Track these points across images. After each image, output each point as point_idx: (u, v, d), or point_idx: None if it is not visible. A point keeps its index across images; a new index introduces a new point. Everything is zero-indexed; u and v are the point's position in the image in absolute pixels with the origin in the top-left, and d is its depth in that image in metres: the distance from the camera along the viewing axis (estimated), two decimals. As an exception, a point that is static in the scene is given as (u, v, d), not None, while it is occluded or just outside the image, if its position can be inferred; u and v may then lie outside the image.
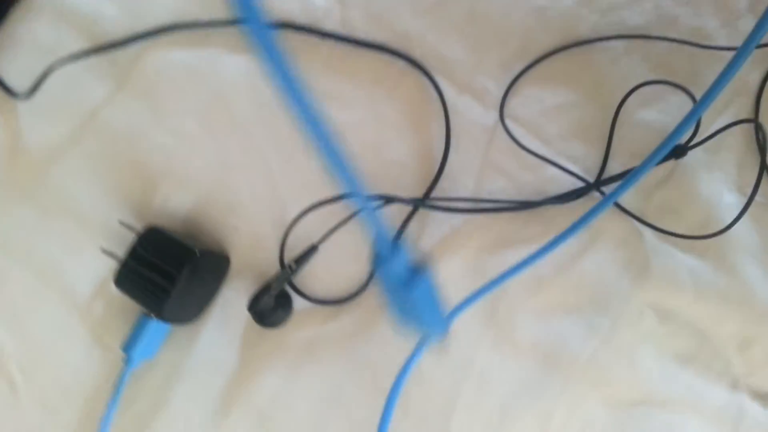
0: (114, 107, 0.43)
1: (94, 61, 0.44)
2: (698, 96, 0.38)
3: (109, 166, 0.43)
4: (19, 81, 0.45)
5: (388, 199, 0.39)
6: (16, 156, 0.44)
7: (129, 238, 0.40)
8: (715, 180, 0.39)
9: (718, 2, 0.40)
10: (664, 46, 0.40)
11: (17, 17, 0.46)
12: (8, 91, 0.44)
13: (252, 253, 0.41)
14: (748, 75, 0.40)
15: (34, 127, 0.44)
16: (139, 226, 0.41)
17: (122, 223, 0.41)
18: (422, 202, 0.39)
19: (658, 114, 0.39)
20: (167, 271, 0.37)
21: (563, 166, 0.39)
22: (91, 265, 0.41)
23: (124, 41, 0.44)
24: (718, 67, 0.39)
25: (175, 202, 0.42)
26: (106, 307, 0.41)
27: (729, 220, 0.39)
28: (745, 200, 0.39)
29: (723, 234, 0.37)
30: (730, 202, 0.39)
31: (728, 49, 0.39)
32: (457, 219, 0.40)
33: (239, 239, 0.41)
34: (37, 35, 0.45)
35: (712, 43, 0.39)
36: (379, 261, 0.22)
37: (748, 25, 0.39)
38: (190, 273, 0.37)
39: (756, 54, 0.33)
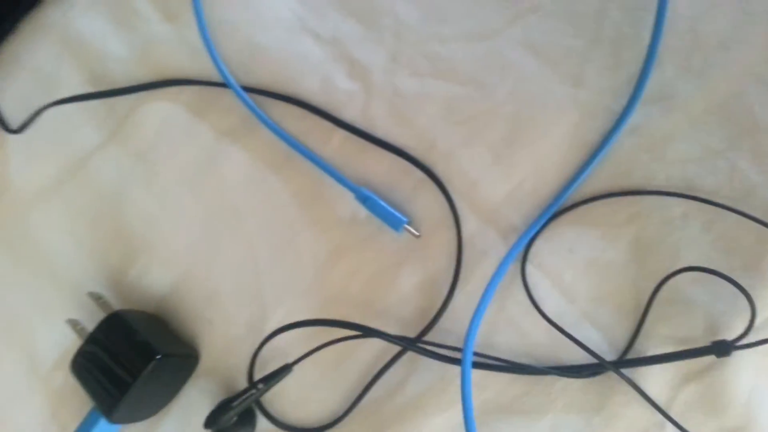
0: (104, 159, 0.40)
1: (92, 102, 0.40)
2: (758, 291, 0.32)
3: (89, 225, 0.40)
4: (13, 110, 0.41)
5: (369, 332, 0.34)
6: (0, 192, 0.41)
7: (99, 311, 0.37)
8: (761, 385, 0.33)
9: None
10: (731, 218, 0.33)
11: (24, 35, 0.42)
12: (2, 122, 0.41)
13: (223, 354, 0.37)
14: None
15: (22, 165, 0.41)
16: (112, 299, 0.39)
17: (91, 296, 0.38)
18: (411, 343, 0.34)
19: (708, 296, 0.33)
20: (124, 369, 0.34)
21: (578, 339, 0.33)
22: (58, 331, 0.39)
23: (126, 89, 0.40)
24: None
25: (153, 279, 0.39)
26: (66, 379, 0.39)
27: (768, 430, 0.33)
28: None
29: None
30: (773, 411, 0.33)
31: (810, 241, 0.32)
32: (452, 369, 0.35)
33: (212, 335, 0.38)
34: (39, 61, 0.42)
35: (792, 227, 0.32)
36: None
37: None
38: (148, 377, 0.34)
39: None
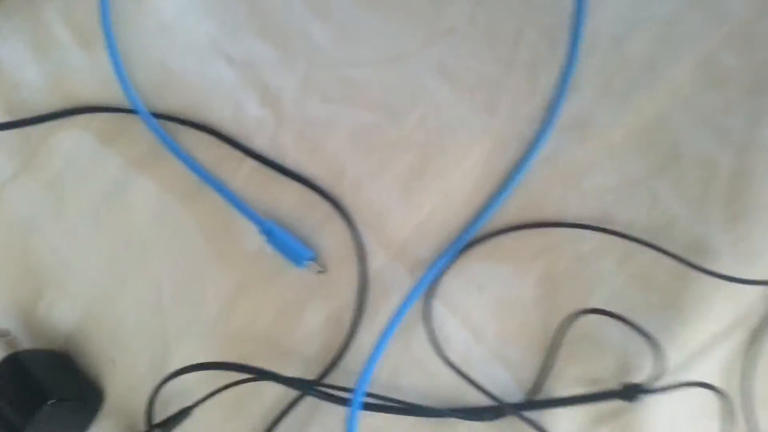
0: (17, 189, 0.39)
1: (6, 132, 0.39)
2: (675, 330, 0.30)
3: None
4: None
5: (266, 375, 0.32)
6: None
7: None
8: (678, 429, 0.31)
9: (731, 211, 0.31)
10: (648, 252, 0.31)
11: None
12: None
13: (127, 395, 0.36)
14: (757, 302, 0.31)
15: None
16: (21, 334, 0.37)
17: (-2, 332, 0.36)
18: (309, 387, 0.32)
19: (621, 336, 0.31)
20: (17, 413, 0.33)
21: (476, 381, 0.31)
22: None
23: (38, 118, 0.39)
24: (715, 296, 0.31)
25: (60, 314, 0.37)
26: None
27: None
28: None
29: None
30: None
31: (730, 279, 0.30)
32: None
33: (116, 374, 0.36)
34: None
35: (712, 264, 0.30)
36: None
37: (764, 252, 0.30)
38: (41, 422, 0.33)
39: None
